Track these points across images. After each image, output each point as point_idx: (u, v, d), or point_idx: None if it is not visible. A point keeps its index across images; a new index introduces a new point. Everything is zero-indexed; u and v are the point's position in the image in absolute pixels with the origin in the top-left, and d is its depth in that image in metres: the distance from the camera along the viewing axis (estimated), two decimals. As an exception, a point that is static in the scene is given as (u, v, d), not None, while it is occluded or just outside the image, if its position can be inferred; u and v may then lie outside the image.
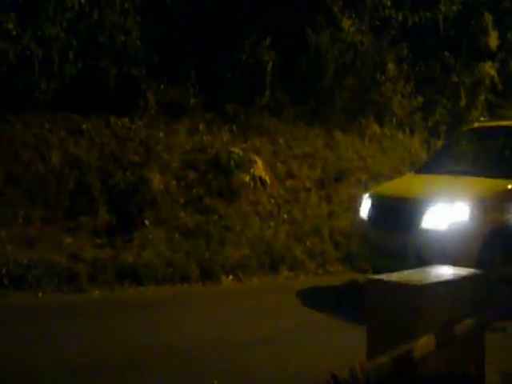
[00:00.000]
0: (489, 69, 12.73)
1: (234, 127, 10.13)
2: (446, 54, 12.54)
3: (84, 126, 8.99)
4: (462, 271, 4.35)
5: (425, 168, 7.67)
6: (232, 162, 9.12)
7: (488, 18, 12.70)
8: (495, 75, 12.82)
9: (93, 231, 7.76)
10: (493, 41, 12.80)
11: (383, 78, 11.61)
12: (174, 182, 8.75)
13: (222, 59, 10.37)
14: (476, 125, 8.54)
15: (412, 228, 6.27)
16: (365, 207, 7.04)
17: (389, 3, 11.63)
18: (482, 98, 12.72)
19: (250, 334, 5.31)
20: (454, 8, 12.48)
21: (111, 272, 6.88)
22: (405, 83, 11.86)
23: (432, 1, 12.32)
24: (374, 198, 7.03)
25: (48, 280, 6.59)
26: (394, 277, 4.10)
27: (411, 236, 6.28)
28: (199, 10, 10.45)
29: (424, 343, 3.15)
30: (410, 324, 3.73)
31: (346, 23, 11.20)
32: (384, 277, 4.10)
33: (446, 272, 4.37)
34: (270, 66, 10.54)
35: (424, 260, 5.79)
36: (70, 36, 9.06)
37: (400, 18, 11.92)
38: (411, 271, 4.49)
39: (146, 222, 7.94)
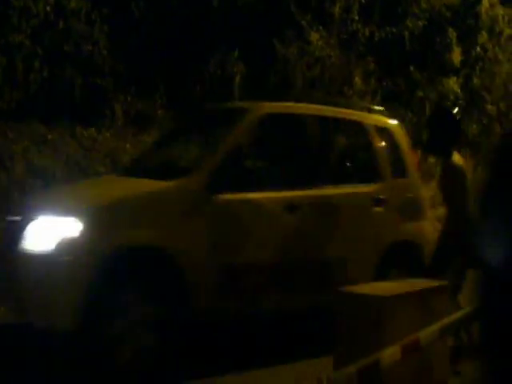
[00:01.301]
0: (453, 84, 12.96)
1: (202, 139, 10.07)
2: (412, 68, 12.73)
3: (49, 136, 8.84)
4: (430, 282, 4.40)
5: (129, 168, 5.98)
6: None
7: (452, 34, 12.97)
8: (459, 91, 13.05)
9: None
10: (456, 57, 13.06)
11: (350, 91, 11.71)
12: (140, 194, 8.65)
13: (191, 71, 10.34)
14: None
15: (11, 249, 4.57)
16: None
17: (357, 17, 11.77)
18: (447, 112, 12.92)
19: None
20: (420, 24, 12.69)
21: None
22: (372, 97, 11.99)
23: (398, 17, 12.52)
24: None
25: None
26: (361, 289, 4.15)
27: (8, 261, 4.64)
28: (168, 21, 10.41)
29: (390, 353, 3.15)
30: (375, 335, 3.74)
31: (314, 37, 11.29)
32: (350, 288, 4.13)
33: (414, 284, 4.42)
34: (238, 78, 10.55)
35: (43, 298, 4.30)
36: (35, 44, 8.93)
37: (367, 33, 12.07)
38: (382, 283, 4.55)
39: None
